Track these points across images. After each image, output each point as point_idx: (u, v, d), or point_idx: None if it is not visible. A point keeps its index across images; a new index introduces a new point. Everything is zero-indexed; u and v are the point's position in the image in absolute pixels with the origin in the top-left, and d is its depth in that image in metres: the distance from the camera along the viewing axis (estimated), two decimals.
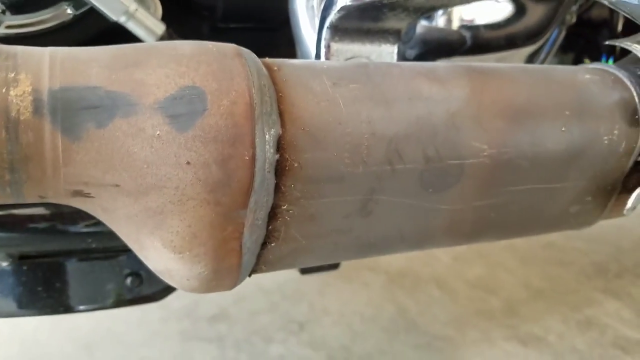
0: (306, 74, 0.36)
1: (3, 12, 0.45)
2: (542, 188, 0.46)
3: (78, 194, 0.31)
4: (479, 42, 0.63)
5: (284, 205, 0.36)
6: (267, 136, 0.33)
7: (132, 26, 0.48)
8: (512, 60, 0.67)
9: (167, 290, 0.57)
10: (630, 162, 0.49)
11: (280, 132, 0.34)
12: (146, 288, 0.56)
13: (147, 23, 0.49)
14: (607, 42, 0.50)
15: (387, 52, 0.52)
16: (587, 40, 0.99)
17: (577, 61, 1.08)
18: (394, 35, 0.52)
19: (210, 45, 0.34)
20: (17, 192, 0.30)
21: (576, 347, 1.30)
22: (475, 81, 0.41)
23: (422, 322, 1.32)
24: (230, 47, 0.34)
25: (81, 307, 0.54)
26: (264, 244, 0.37)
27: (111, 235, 0.38)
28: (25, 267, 0.53)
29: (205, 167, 0.31)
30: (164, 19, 0.54)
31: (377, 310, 1.33)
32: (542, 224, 0.50)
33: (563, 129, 0.44)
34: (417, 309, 1.36)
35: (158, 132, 0.30)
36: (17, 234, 0.52)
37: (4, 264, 0.53)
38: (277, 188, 0.35)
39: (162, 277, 0.37)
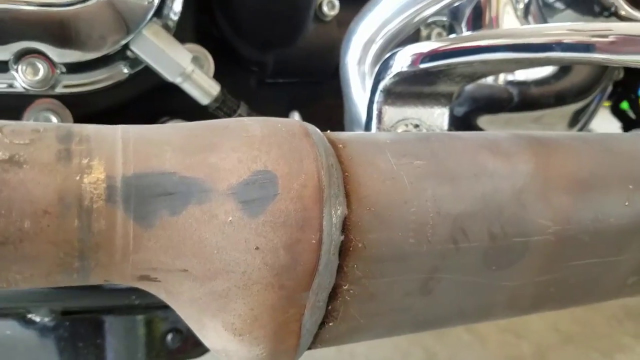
0: (371, 150, 0.36)
1: (62, 72, 0.45)
2: (602, 262, 0.44)
3: (145, 278, 0.30)
4: (527, 98, 0.62)
5: (345, 286, 0.35)
6: (333, 218, 0.32)
7: (187, 87, 0.49)
8: (560, 116, 0.66)
9: (207, 348, 0.56)
10: None
11: (347, 212, 0.33)
12: (186, 344, 0.55)
13: (203, 84, 0.49)
14: None
15: (439, 113, 0.51)
16: (624, 87, 0.98)
17: (615, 107, 1.07)
18: (446, 98, 0.51)
19: (279, 125, 0.33)
20: (84, 277, 0.29)
21: None
22: (539, 155, 0.40)
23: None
24: (298, 126, 0.34)
25: None
26: (322, 324, 0.36)
27: None
28: (67, 323, 0.52)
29: (273, 252, 0.31)
30: (214, 74, 0.55)
31: (406, 355, 1.30)
32: (598, 295, 0.49)
33: (626, 204, 0.42)
34: (447, 353, 1.33)
35: (230, 219, 0.29)
36: (61, 290, 0.52)
37: (47, 319, 0.52)
38: (340, 268, 0.34)
39: (218, 354, 0.37)
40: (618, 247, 0.44)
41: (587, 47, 0.44)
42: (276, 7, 0.53)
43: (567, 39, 0.43)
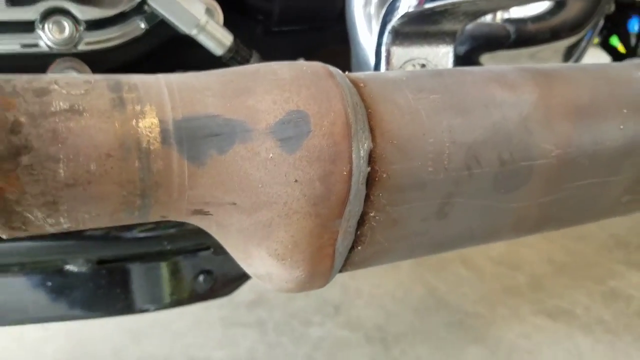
0: (389, 88, 0.39)
1: (84, 30, 0.47)
2: (599, 182, 0.48)
3: (198, 212, 0.34)
4: (524, 35, 0.65)
5: (371, 213, 0.38)
6: (361, 152, 0.35)
7: (202, 39, 0.51)
8: (554, 51, 0.68)
9: (235, 285, 0.60)
10: None
11: (372, 146, 0.36)
12: (216, 284, 0.59)
13: (217, 35, 0.51)
14: None
15: (444, 52, 0.54)
16: (614, 22, 1.01)
17: (605, 43, 1.09)
18: (450, 36, 0.54)
19: (304, 68, 0.36)
20: (144, 215, 0.32)
21: (603, 318, 1.34)
22: (542, 85, 0.43)
23: (452, 301, 1.36)
24: (322, 68, 0.37)
25: (157, 306, 0.57)
26: (351, 248, 0.40)
27: (184, 236, 0.41)
28: (103, 271, 0.56)
29: (310, 184, 0.34)
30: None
31: (408, 290, 1.37)
32: (595, 214, 0.53)
33: (621, 127, 0.46)
34: (446, 288, 1.40)
35: (271, 155, 0.33)
36: (96, 241, 0.55)
37: (84, 268, 0.56)
38: (367, 197, 0.38)
39: (260, 280, 0.40)
40: (613, 168, 0.48)
41: None
42: None
43: None
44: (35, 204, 0.29)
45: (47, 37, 0.44)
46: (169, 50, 0.56)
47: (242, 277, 0.62)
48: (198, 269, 0.58)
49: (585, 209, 0.51)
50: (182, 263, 0.57)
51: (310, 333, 1.20)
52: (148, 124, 0.31)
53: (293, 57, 0.65)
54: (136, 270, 0.56)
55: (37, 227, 0.30)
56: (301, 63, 0.37)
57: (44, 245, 0.56)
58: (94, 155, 0.29)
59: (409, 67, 0.53)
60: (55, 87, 0.30)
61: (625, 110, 0.46)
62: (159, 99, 0.31)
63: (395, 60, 0.52)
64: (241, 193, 0.33)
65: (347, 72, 0.40)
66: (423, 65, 0.54)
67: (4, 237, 0.31)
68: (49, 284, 0.57)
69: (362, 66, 0.57)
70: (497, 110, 0.40)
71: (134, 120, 0.30)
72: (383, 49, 0.51)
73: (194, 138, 0.31)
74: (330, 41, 0.66)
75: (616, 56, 1.10)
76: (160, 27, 0.52)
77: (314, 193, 0.34)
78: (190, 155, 0.31)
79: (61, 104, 0.29)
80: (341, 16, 0.62)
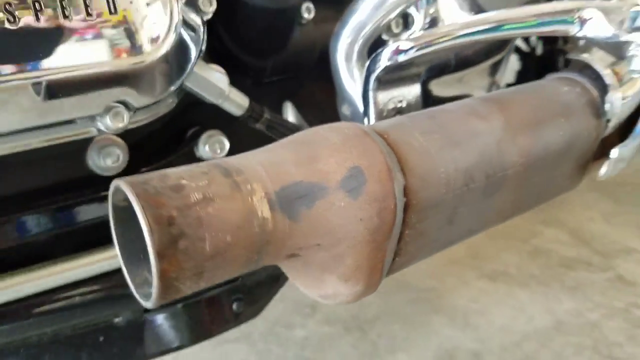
0: (405, 134, 0.50)
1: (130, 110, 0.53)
2: (549, 174, 0.63)
3: (292, 256, 0.43)
4: (462, 60, 0.79)
5: (406, 231, 0.50)
6: (399, 189, 0.47)
7: (227, 105, 0.59)
8: (480, 72, 0.84)
9: (261, 307, 0.69)
10: (597, 142, 0.67)
11: (404, 183, 0.48)
12: (246, 308, 0.68)
13: (237, 99, 0.60)
14: (571, 57, 0.68)
15: (415, 89, 0.67)
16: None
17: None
18: (418, 76, 0.67)
19: (346, 131, 0.47)
20: (256, 266, 0.42)
21: (532, 273, 1.57)
22: (504, 111, 0.57)
23: (409, 280, 1.52)
24: (358, 129, 0.47)
25: (205, 338, 0.65)
26: (392, 260, 0.52)
27: None
28: (152, 318, 0.62)
29: (370, 219, 0.45)
30: None
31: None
32: (547, 197, 0.69)
33: (561, 133, 0.61)
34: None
35: (343, 203, 0.43)
36: None
37: (132, 319, 0.62)
38: (403, 221, 0.49)
39: (324, 300, 0.51)
40: (558, 163, 0.63)
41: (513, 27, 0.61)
42: (273, 22, 0.64)
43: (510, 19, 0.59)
44: (188, 276, 0.37)
45: (104, 126, 0.51)
46: (188, 112, 0.64)
47: (266, 299, 0.71)
48: (232, 297, 0.66)
49: (541, 195, 0.66)
50: (220, 295, 0.65)
51: (295, 335, 1.30)
52: (259, 198, 0.40)
53: (279, 100, 0.75)
54: (202, 304, 0.64)
55: (182, 294, 0.39)
56: (341, 126, 0.48)
57: (97, 305, 0.62)
58: (229, 230, 0.38)
59: (391, 105, 0.66)
60: (185, 182, 0.38)
61: (562, 120, 0.61)
62: (259, 177, 0.41)
63: (379, 102, 0.64)
64: (324, 236, 0.43)
65: (371, 125, 0.51)
66: (400, 101, 0.66)
67: (151, 307, 0.39)
68: (101, 338, 0.63)
69: (350, 107, 0.68)
70: (480, 138, 0.54)
71: (250, 197, 0.40)
72: (370, 94, 0.63)
73: (289, 201, 0.41)
74: (309, 83, 0.77)
75: (521, 55, 1.29)
76: (185, 97, 0.60)
77: (373, 226, 0.45)
78: (289, 215, 0.41)
79: (196, 195, 0.38)
80: (316, 62, 0.73)
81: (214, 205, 0.38)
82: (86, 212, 0.60)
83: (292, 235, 0.42)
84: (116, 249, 0.42)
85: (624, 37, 0.56)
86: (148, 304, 0.38)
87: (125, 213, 0.41)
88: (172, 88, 0.52)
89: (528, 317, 1.38)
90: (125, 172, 0.60)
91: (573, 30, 0.59)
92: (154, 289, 0.36)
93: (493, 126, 0.55)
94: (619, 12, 0.57)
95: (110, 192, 0.40)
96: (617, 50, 0.58)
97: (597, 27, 0.58)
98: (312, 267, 0.46)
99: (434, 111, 0.56)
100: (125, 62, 0.46)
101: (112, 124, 0.50)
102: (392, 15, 0.64)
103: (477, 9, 0.73)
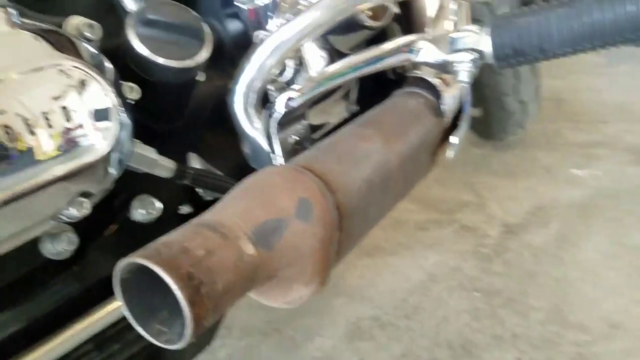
0: (323, 164, 0.64)
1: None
2: (414, 165, 0.83)
3: (270, 277, 0.55)
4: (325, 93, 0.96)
5: (341, 235, 0.64)
6: (333, 206, 0.61)
7: (157, 171, 0.67)
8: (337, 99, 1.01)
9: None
10: (441, 134, 0.89)
11: (334, 201, 0.62)
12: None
13: (166, 164, 0.68)
14: (409, 75, 0.88)
15: (304, 123, 0.82)
16: None
17: None
18: (304, 113, 0.82)
19: (282, 172, 0.59)
20: (248, 291, 0.52)
21: (399, 241, 1.81)
22: (379, 131, 0.74)
23: None
24: (291, 169, 0.60)
25: None
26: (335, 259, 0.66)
27: None
28: None
29: (320, 234, 0.58)
30: None
31: None
32: (417, 180, 0.88)
33: (417, 135, 0.80)
34: None
35: (300, 228, 0.56)
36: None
37: None
38: (339, 228, 0.63)
39: (287, 305, 0.63)
40: (418, 156, 0.83)
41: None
42: (176, 93, 0.73)
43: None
44: (210, 313, 0.47)
45: (68, 217, 0.56)
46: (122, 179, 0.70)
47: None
48: None
49: (412, 182, 0.85)
50: None
51: (219, 356, 1.38)
52: (243, 241, 0.51)
53: (184, 154, 0.84)
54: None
55: (206, 328, 0.48)
56: (275, 170, 0.60)
57: None
58: (231, 270, 0.49)
59: (290, 140, 0.80)
60: (187, 244, 0.48)
61: (415, 124, 0.81)
62: (237, 225, 0.52)
63: (281, 140, 0.78)
64: (292, 256, 0.56)
65: (298, 161, 0.64)
66: (296, 136, 0.81)
67: (183, 346, 0.48)
68: None
69: (254, 148, 0.80)
70: (371, 155, 0.70)
71: (237, 242, 0.50)
72: (273, 136, 0.76)
73: (264, 237, 0.53)
74: (205, 134, 0.87)
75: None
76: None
77: (323, 238, 0.59)
78: (266, 247, 0.53)
79: (201, 252, 0.47)
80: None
81: (216, 255, 0.48)
82: (49, 298, 0.63)
83: (271, 261, 0.54)
84: (127, 315, 0.49)
85: (449, 58, 0.76)
86: (181, 344, 0.47)
87: (127, 284, 0.48)
88: (123, 168, 0.59)
89: (406, 277, 1.62)
90: (77, 251, 0.65)
91: (413, 58, 0.78)
92: (188, 330, 0.46)
93: (376, 144, 0.72)
94: (442, 40, 0.77)
95: (117, 269, 0.47)
96: (446, 67, 0.78)
97: (428, 53, 0.78)
98: (282, 281, 0.58)
99: (333, 142, 0.71)
100: (85, 160, 0.53)
101: (77, 213, 0.56)
102: (275, 70, 0.78)
103: (331, 47, 0.90)
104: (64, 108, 0.51)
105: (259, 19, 0.81)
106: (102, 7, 0.71)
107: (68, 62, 0.51)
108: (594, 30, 0.61)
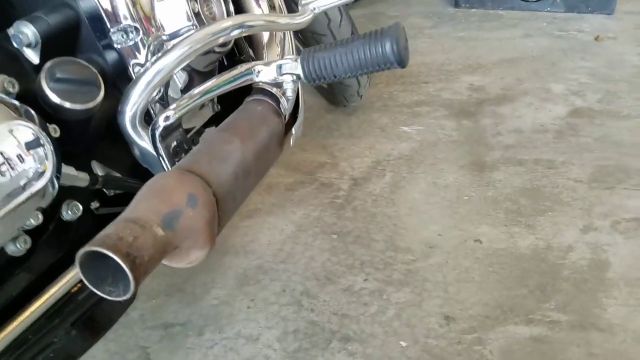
0: (200, 165, 0.93)
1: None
2: (267, 155, 1.14)
3: (176, 248, 0.84)
4: None
5: (219, 213, 0.94)
6: (211, 195, 0.90)
7: (77, 182, 0.90)
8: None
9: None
10: (284, 127, 1.21)
11: (212, 190, 0.91)
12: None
13: (81, 177, 0.91)
14: (254, 86, 1.18)
15: (179, 132, 1.09)
16: None
17: None
18: (180, 124, 1.08)
19: (172, 176, 0.87)
20: (161, 259, 0.81)
21: (272, 202, 2.15)
22: (236, 134, 1.04)
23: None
24: (177, 173, 0.88)
25: None
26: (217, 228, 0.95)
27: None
28: None
29: (207, 216, 0.87)
30: None
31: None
32: (270, 166, 1.20)
33: (266, 132, 1.11)
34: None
35: (192, 213, 0.84)
36: None
37: None
38: (217, 208, 0.93)
39: (188, 265, 0.92)
40: (269, 148, 1.14)
41: None
42: (87, 126, 0.96)
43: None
44: (142, 275, 0.75)
45: (11, 252, 0.78)
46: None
47: None
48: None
49: (266, 168, 1.17)
50: None
51: (132, 317, 1.63)
52: (156, 228, 0.78)
53: (88, 162, 1.07)
54: None
55: (138, 286, 0.76)
56: (167, 174, 0.88)
57: None
58: (152, 246, 0.76)
59: (172, 146, 1.06)
60: (121, 234, 0.74)
61: (264, 124, 1.11)
62: (149, 217, 0.79)
63: (163, 146, 1.04)
64: (190, 233, 0.84)
65: (184, 164, 0.92)
66: (176, 143, 1.07)
67: (129, 296, 0.75)
68: None
69: (140, 152, 1.06)
70: (234, 153, 0.99)
71: (153, 230, 0.77)
72: (159, 145, 1.02)
73: (169, 222, 0.80)
74: (102, 144, 1.09)
75: None
76: None
77: (209, 218, 0.88)
78: (171, 229, 0.81)
79: (131, 238, 0.74)
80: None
81: (140, 239, 0.76)
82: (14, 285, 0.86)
83: (175, 238, 0.82)
84: (87, 283, 0.75)
85: (279, 79, 1.07)
86: (127, 297, 0.74)
87: (84, 264, 0.74)
88: (56, 193, 0.83)
89: (280, 230, 1.96)
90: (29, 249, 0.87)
91: (254, 78, 1.08)
92: (131, 287, 0.73)
93: (235, 145, 1.02)
94: (272, 65, 1.07)
95: (78, 255, 0.73)
96: (278, 85, 1.09)
97: (264, 75, 1.08)
98: (184, 250, 0.87)
99: (204, 147, 0.99)
100: (40, 184, 0.77)
101: (35, 222, 0.80)
102: (154, 93, 1.03)
103: (190, 68, 1.16)
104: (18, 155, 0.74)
105: (133, 54, 1.05)
106: (10, 62, 0.91)
107: (16, 123, 0.74)
108: (362, 63, 0.95)
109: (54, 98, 0.86)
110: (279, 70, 1.05)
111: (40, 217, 0.80)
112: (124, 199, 1.06)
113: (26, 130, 0.74)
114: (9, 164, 0.71)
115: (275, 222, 2.00)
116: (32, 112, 0.80)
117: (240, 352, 1.48)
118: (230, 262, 1.82)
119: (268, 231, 1.96)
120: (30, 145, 0.74)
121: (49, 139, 0.78)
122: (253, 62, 1.08)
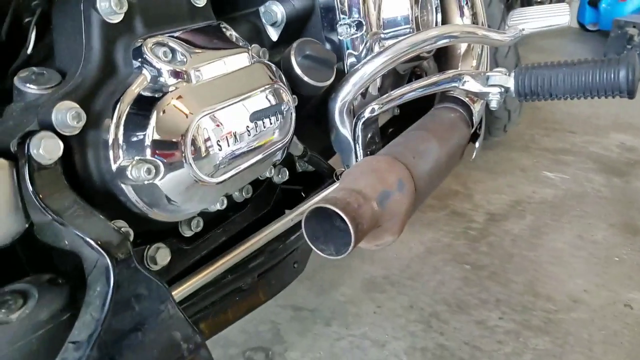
0: (405, 157, 0.96)
1: None
2: (453, 159, 1.15)
3: (375, 228, 0.87)
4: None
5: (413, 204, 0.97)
6: (414, 187, 0.93)
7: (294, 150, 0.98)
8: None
9: None
10: (468, 139, 1.22)
11: (413, 182, 0.94)
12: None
13: (299, 145, 0.98)
14: (446, 94, 1.21)
15: (376, 126, 1.13)
16: None
17: None
18: (376, 119, 1.13)
19: (385, 160, 0.91)
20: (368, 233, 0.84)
21: None
22: (433, 134, 1.07)
23: None
24: (391, 159, 0.92)
25: None
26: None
27: None
28: None
29: (408, 205, 0.90)
30: None
31: None
32: (451, 169, 1.22)
33: (455, 138, 1.13)
34: None
35: (399, 198, 0.88)
36: None
37: None
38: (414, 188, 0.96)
39: (376, 247, 0.95)
40: (455, 153, 1.16)
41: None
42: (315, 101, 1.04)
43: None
44: (359, 241, 0.78)
45: None
46: None
47: None
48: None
49: (449, 170, 1.18)
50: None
51: None
52: (374, 202, 0.82)
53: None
54: None
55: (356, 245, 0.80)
56: (381, 158, 0.92)
57: None
58: (369, 217, 0.80)
59: (368, 138, 1.11)
60: (348, 200, 0.79)
61: (454, 130, 1.13)
62: (370, 192, 0.83)
63: (362, 137, 1.09)
64: (392, 215, 0.87)
65: (389, 155, 0.96)
66: (371, 135, 1.12)
67: (348, 253, 0.79)
68: None
69: (342, 141, 1.11)
70: (431, 153, 1.02)
71: (372, 203, 0.81)
72: (359, 134, 1.08)
73: (382, 200, 0.84)
74: None
75: None
76: None
77: (408, 206, 0.91)
78: (382, 207, 0.84)
79: (356, 205, 0.79)
80: None
81: (362, 208, 0.79)
82: None
83: (383, 216, 0.84)
84: (306, 238, 0.79)
85: (485, 90, 1.08)
86: (343, 255, 0.78)
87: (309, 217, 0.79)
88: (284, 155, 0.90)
89: (408, 248, 1.95)
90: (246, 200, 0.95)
91: (459, 86, 1.10)
92: (350, 247, 0.76)
93: (434, 143, 1.04)
94: (480, 75, 1.09)
95: (307, 212, 0.78)
96: (482, 96, 1.11)
97: (471, 84, 1.10)
98: (380, 231, 0.89)
99: (404, 141, 1.03)
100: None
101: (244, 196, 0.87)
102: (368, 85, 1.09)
103: (394, 70, 1.21)
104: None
105: (352, 47, 1.12)
106: (258, 36, 1.00)
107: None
108: (587, 86, 0.94)
109: (298, 71, 0.93)
110: (487, 81, 1.07)
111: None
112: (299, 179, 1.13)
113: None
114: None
115: (403, 238, 1.99)
116: (284, 78, 0.88)
117: (367, 353, 1.49)
118: (358, 266, 1.84)
119: (395, 245, 1.96)
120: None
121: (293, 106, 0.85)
122: (462, 70, 1.11)
